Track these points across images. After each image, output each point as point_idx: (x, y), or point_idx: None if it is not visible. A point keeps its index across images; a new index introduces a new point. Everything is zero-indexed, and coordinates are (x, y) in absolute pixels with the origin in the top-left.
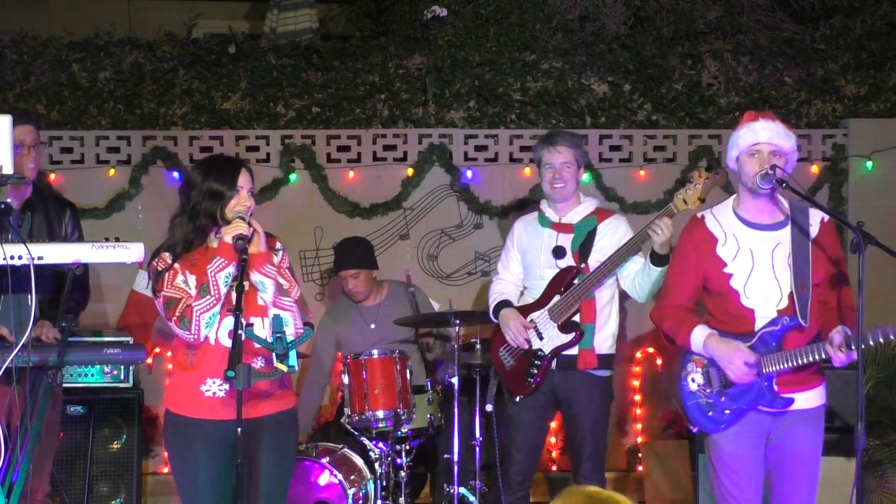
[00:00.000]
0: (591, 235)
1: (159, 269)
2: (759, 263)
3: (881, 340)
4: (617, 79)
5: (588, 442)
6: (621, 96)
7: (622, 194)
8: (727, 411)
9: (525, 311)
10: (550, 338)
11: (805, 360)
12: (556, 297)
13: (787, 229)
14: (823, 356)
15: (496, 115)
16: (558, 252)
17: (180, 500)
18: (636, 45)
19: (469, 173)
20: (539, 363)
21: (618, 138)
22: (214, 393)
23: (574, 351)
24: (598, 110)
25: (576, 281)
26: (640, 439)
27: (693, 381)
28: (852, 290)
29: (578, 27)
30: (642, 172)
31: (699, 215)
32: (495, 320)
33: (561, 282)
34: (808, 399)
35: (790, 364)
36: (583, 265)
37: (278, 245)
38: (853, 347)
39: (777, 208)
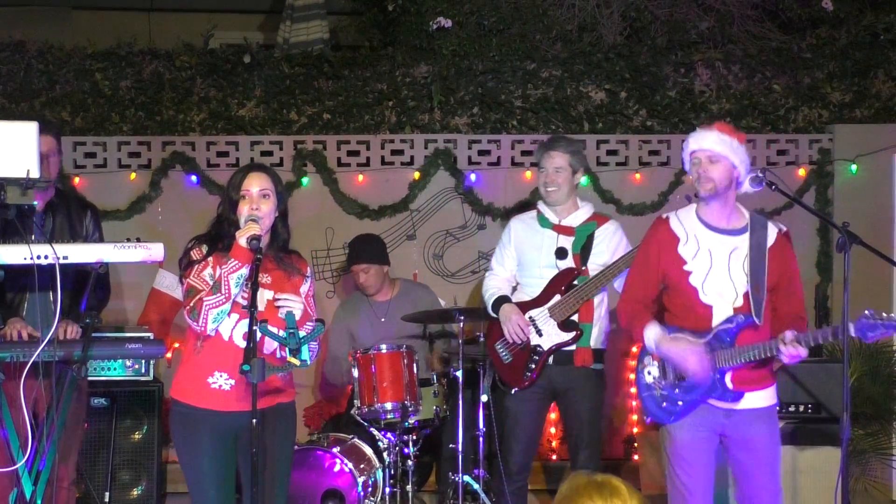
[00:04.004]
0: (590, 239)
1: (194, 258)
2: (716, 264)
3: (820, 342)
4: (613, 86)
5: (586, 432)
6: (618, 103)
7: (619, 196)
8: (680, 402)
9: (523, 308)
10: (549, 335)
11: (756, 356)
12: (557, 297)
13: (746, 236)
14: (773, 353)
15: (498, 121)
16: (561, 253)
17: (186, 484)
18: (632, 55)
19: (473, 177)
20: (537, 358)
21: (614, 143)
22: (220, 386)
23: (571, 347)
24: (596, 116)
25: (575, 282)
26: (636, 429)
27: (649, 373)
28: (837, 288)
29: (577, 37)
30: (638, 176)
31: (664, 216)
32: (494, 315)
33: (562, 282)
34: (761, 398)
35: (742, 359)
36: (583, 268)
37: (308, 272)
38: (804, 345)
39: (737, 215)
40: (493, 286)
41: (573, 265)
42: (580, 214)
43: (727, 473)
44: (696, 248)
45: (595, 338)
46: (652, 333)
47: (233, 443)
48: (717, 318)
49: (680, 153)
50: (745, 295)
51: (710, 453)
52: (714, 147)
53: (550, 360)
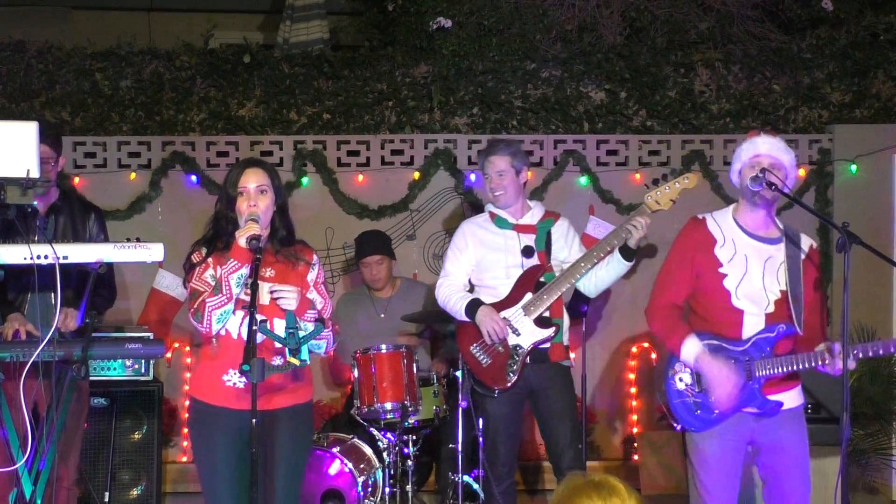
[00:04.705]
0: (549, 236)
1: (194, 261)
2: (751, 269)
3: (870, 355)
4: (613, 86)
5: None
6: (617, 103)
7: (618, 196)
8: (716, 411)
9: (495, 309)
10: (527, 333)
11: (798, 367)
12: (529, 295)
13: (782, 246)
14: (816, 365)
15: (498, 121)
16: (527, 251)
17: (200, 482)
18: (632, 55)
19: (472, 177)
20: (518, 358)
21: (614, 143)
22: (234, 383)
23: (546, 344)
24: (596, 116)
25: (542, 279)
26: (635, 430)
27: (681, 380)
28: (837, 288)
29: (576, 37)
30: (638, 175)
31: (700, 216)
32: (466, 318)
33: (531, 280)
34: (791, 398)
35: (783, 370)
36: (548, 264)
37: (314, 259)
38: (852, 358)
39: (773, 225)
40: (454, 290)
41: (539, 262)
42: (536, 213)
43: (751, 474)
44: (733, 252)
45: (565, 332)
46: (691, 348)
47: (247, 441)
48: (747, 324)
49: (679, 153)
50: (777, 303)
51: (737, 462)
52: (780, 155)
53: (528, 358)
